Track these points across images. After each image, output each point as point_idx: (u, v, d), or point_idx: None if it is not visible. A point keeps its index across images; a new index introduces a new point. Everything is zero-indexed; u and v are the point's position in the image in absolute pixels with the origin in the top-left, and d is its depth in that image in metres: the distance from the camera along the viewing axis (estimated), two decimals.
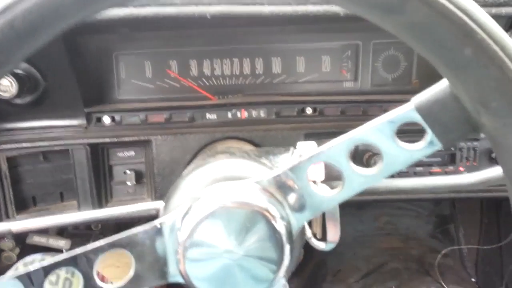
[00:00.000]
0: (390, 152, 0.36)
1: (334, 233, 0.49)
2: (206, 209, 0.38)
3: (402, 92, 0.79)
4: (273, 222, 0.38)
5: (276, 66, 0.79)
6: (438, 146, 0.35)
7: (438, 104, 0.33)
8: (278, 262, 0.39)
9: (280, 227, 0.38)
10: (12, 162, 0.72)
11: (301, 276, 1.28)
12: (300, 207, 0.38)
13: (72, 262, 0.36)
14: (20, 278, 0.36)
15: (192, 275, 0.38)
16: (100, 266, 0.36)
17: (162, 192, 0.72)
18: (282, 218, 0.38)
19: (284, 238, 0.38)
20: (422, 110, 0.33)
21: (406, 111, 0.34)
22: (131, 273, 0.37)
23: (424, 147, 0.35)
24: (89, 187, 0.72)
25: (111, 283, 0.36)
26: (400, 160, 0.36)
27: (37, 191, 0.74)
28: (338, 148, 0.36)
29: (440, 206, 1.40)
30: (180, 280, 0.39)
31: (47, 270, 0.36)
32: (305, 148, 0.55)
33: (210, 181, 0.43)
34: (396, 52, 0.79)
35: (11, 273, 0.36)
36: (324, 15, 0.60)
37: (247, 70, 0.78)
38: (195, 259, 0.38)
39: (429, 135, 0.34)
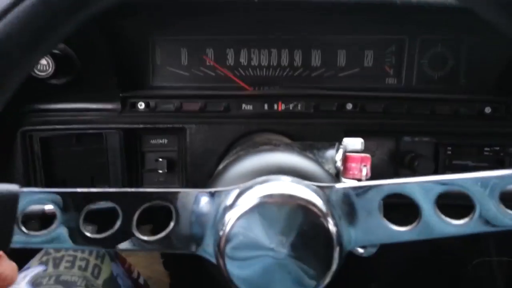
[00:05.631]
0: (489, 211, 0.33)
1: None
2: (256, 199, 0.34)
3: (448, 92, 0.75)
4: (325, 222, 0.34)
5: (316, 58, 0.76)
6: None
7: None
8: (325, 266, 0.35)
9: (332, 228, 0.34)
10: (45, 144, 0.72)
11: None
12: (361, 231, 0.35)
13: (116, 198, 0.33)
14: (50, 196, 0.32)
15: (228, 261, 0.34)
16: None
17: (194, 181, 0.71)
18: (336, 225, 0.34)
19: (335, 240, 0.34)
20: None
21: None
22: (166, 230, 0.34)
23: None
24: (120, 172, 0.71)
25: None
26: (498, 221, 0.33)
27: (67, 174, 0.74)
28: (427, 187, 0.33)
29: None
30: (209, 257, 0.35)
31: (88, 198, 0.33)
32: (352, 143, 0.52)
33: (264, 170, 0.39)
34: (444, 50, 0.75)
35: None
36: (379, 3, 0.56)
37: (285, 61, 0.76)
38: (235, 247, 0.34)
39: None
